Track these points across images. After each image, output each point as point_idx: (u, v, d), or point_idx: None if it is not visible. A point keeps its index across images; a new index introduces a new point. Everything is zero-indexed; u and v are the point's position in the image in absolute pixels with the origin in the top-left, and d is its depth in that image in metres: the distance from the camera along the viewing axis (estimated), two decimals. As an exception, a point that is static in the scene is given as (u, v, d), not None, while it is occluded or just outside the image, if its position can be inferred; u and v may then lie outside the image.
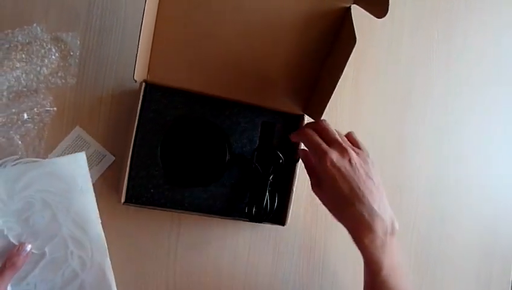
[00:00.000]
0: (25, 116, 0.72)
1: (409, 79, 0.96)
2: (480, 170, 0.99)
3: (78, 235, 0.65)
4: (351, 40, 0.65)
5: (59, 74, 0.75)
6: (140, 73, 0.70)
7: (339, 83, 0.68)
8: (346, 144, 0.68)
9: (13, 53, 0.72)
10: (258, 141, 0.79)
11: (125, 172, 0.72)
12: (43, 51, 0.73)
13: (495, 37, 1.03)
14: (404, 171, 0.94)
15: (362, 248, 0.64)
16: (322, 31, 0.74)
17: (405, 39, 0.97)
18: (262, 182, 0.76)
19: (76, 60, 0.76)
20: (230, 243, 0.81)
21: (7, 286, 0.59)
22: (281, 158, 0.76)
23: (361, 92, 0.92)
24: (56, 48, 0.75)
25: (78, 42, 0.76)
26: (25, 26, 0.73)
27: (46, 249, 0.64)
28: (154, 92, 0.75)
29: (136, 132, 0.73)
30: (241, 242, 0.82)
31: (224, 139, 0.78)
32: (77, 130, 0.75)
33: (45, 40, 0.74)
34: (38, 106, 0.72)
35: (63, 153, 0.74)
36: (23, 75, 0.72)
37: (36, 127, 0.73)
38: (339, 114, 0.90)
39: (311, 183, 0.71)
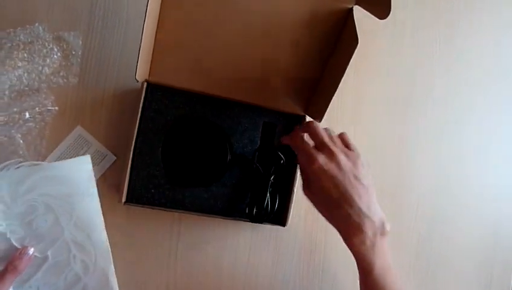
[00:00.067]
0: (27, 115, 0.72)
1: (410, 79, 0.96)
2: (481, 170, 1.00)
3: (81, 240, 0.65)
4: (353, 41, 0.65)
5: (61, 74, 0.75)
6: (142, 73, 0.70)
7: (340, 84, 0.68)
8: (336, 145, 0.68)
9: (15, 52, 0.72)
10: (259, 141, 0.79)
11: (126, 172, 0.72)
12: (45, 50, 0.73)
13: (495, 37, 1.04)
14: (405, 172, 0.94)
15: (353, 248, 0.65)
16: (324, 32, 0.74)
17: (406, 40, 0.97)
18: (263, 182, 0.76)
19: (78, 60, 0.76)
20: (230, 243, 0.81)
21: (8, 288, 0.59)
22: (282, 159, 0.76)
23: (362, 93, 0.92)
24: (58, 47, 0.75)
25: (80, 42, 0.76)
26: (27, 26, 0.73)
27: (49, 253, 0.64)
28: (156, 92, 0.75)
29: (138, 131, 0.73)
30: (242, 242, 0.82)
31: (226, 140, 0.78)
32: (78, 130, 0.75)
33: (47, 39, 0.74)
34: (40, 105, 0.72)
35: (64, 152, 0.74)
36: (25, 74, 0.72)
37: (38, 127, 0.73)
38: (340, 115, 0.90)
39: (302, 186, 0.71)
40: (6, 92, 0.71)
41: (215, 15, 0.71)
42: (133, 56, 0.65)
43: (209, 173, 0.77)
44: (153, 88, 0.75)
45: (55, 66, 0.74)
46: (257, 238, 0.82)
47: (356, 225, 0.64)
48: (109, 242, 0.69)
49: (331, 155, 0.66)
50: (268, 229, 0.82)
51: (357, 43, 0.64)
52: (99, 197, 0.69)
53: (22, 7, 0.75)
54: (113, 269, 0.67)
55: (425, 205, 0.94)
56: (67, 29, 0.76)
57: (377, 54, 0.95)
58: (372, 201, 0.66)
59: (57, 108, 0.74)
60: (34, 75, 0.73)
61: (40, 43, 0.73)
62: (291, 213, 0.77)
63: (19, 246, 0.62)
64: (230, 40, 0.74)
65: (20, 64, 0.72)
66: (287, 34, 0.74)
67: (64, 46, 0.75)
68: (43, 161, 0.72)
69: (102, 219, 0.66)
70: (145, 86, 0.74)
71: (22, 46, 0.73)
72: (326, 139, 0.68)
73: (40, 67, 0.73)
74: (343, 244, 0.66)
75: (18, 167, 0.61)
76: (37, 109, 0.72)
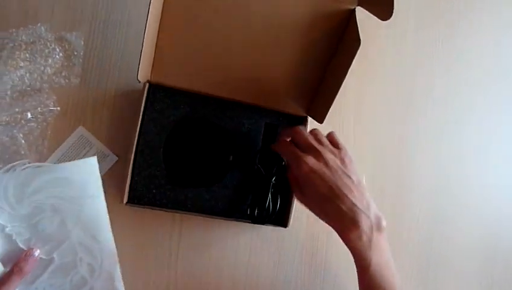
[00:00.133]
0: (29, 115, 0.71)
1: (410, 79, 0.97)
2: (481, 170, 1.00)
3: (87, 242, 0.64)
4: (355, 42, 0.65)
5: (63, 74, 0.75)
6: (144, 73, 0.70)
7: (342, 85, 0.68)
8: (323, 145, 0.70)
9: (17, 52, 0.72)
10: (261, 143, 0.79)
11: (128, 172, 0.72)
12: (47, 50, 0.73)
13: (495, 37, 1.04)
14: (405, 172, 0.94)
15: (349, 244, 0.65)
16: (326, 33, 0.74)
17: (406, 40, 0.97)
18: (265, 183, 0.76)
19: (80, 60, 0.76)
20: (232, 244, 0.81)
21: None
22: (283, 160, 0.76)
23: (362, 93, 0.93)
24: (60, 47, 0.75)
25: (82, 42, 0.76)
26: (29, 26, 0.73)
27: (55, 255, 0.64)
28: (158, 93, 0.75)
29: (139, 132, 0.73)
30: (243, 243, 0.82)
31: (227, 140, 0.78)
32: (80, 130, 0.75)
33: (49, 39, 0.74)
34: (42, 105, 0.72)
35: (66, 153, 0.74)
36: (27, 75, 0.72)
37: (39, 127, 0.73)
38: (341, 115, 0.90)
39: (294, 193, 0.73)
40: (8, 92, 0.71)
41: (217, 16, 0.71)
42: (135, 57, 0.65)
43: (211, 173, 0.77)
44: (155, 89, 0.75)
45: (57, 66, 0.74)
46: (258, 239, 0.82)
47: (350, 219, 0.64)
48: (111, 243, 0.69)
49: (318, 155, 0.67)
50: (270, 230, 0.83)
51: (360, 44, 0.64)
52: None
53: (24, 7, 0.75)
54: (120, 274, 0.67)
55: (425, 205, 0.94)
56: (69, 29, 0.76)
57: (377, 54, 0.95)
58: (365, 197, 0.67)
59: (58, 108, 0.74)
60: (36, 75, 0.73)
61: (42, 43, 0.73)
62: (292, 214, 0.77)
63: (25, 248, 0.62)
64: (233, 41, 0.74)
65: (22, 64, 0.72)
66: (289, 35, 0.74)
67: (66, 46, 0.75)
68: (44, 161, 0.72)
69: (109, 221, 0.66)
70: (147, 86, 0.74)
71: (24, 46, 0.73)
72: (312, 141, 0.70)
73: (42, 68, 0.73)
74: (345, 245, 0.66)
75: (24, 169, 0.60)
76: (39, 109, 0.72)
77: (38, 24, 0.74)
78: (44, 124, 0.73)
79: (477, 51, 1.02)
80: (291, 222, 0.77)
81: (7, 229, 0.61)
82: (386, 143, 0.93)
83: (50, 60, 0.73)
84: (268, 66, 0.76)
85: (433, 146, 0.96)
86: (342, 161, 0.68)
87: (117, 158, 0.76)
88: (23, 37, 0.73)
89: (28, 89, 0.72)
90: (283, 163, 0.76)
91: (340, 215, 0.65)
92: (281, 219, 0.78)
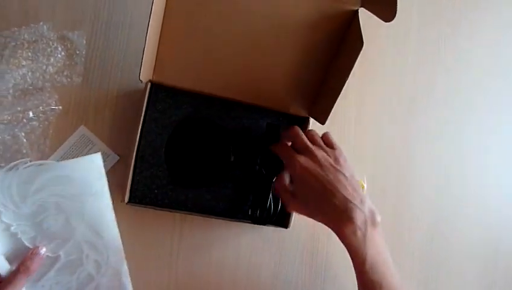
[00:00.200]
0: (30, 114, 0.71)
1: (412, 80, 0.97)
2: (481, 170, 1.00)
3: (93, 240, 0.64)
4: (358, 44, 0.65)
5: (65, 73, 0.75)
6: (146, 73, 0.70)
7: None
8: (318, 145, 0.71)
9: (19, 51, 0.72)
10: (262, 143, 0.79)
11: (130, 172, 0.72)
12: (49, 49, 0.73)
13: (495, 37, 1.04)
14: (405, 172, 0.94)
15: (344, 240, 0.65)
16: (328, 34, 0.74)
17: (408, 40, 0.97)
18: (266, 184, 0.76)
19: (82, 59, 0.76)
20: (233, 244, 0.81)
21: (21, 289, 0.59)
22: (284, 160, 0.76)
23: (364, 93, 0.93)
24: (62, 46, 0.75)
25: (84, 41, 0.76)
26: (32, 25, 0.73)
27: (61, 253, 0.63)
28: (160, 93, 0.75)
29: (141, 132, 0.73)
30: (244, 244, 0.82)
31: (229, 141, 0.78)
32: (82, 129, 0.75)
33: (51, 38, 0.74)
34: (44, 104, 0.72)
35: (68, 152, 0.74)
36: (29, 73, 0.72)
37: (41, 126, 0.72)
38: (342, 115, 0.90)
39: (287, 202, 0.72)
40: (10, 91, 0.71)
41: (219, 18, 0.71)
42: (137, 56, 0.65)
43: (212, 174, 0.77)
44: (157, 88, 0.75)
45: (59, 65, 0.74)
46: (259, 239, 0.82)
47: (344, 214, 0.65)
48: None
49: (311, 155, 0.69)
50: (271, 231, 0.83)
51: (362, 45, 0.64)
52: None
53: (26, 6, 0.75)
54: (127, 270, 0.67)
55: (426, 205, 0.94)
56: (72, 28, 0.76)
57: (378, 54, 0.95)
58: (358, 192, 0.67)
59: (60, 107, 0.74)
60: (38, 74, 0.73)
61: (45, 42, 0.73)
62: (293, 215, 0.77)
63: (31, 246, 0.62)
64: (235, 42, 0.74)
65: (24, 63, 0.72)
66: (291, 36, 0.74)
67: (69, 45, 0.75)
68: (46, 160, 0.72)
69: (115, 218, 0.65)
70: (148, 86, 0.73)
71: (26, 45, 0.73)
72: (306, 141, 0.71)
73: (44, 66, 0.73)
74: (341, 242, 0.66)
75: (27, 167, 0.60)
76: (40, 108, 0.72)
77: (41, 23, 0.74)
78: (46, 123, 0.73)
79: (478, 51, 1.02)
80: (292, 222, 0.77)
81: (12, 228, 0.60)
82: (387, 143, 0.94)
83: (52, 59, 0.73)
84: (270, 67, 0.76)
85: (433, 146, 0.97)
86: (336, 159, 0.69)
87: (118, 158, 0.76)
88: (25, 36, 0.72)
89: (30, 87, 0.72)
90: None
91: (334, 211, 0.65)
92: (282, 219, 0.78)
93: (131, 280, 0.72)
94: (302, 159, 0.68)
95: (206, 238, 0.80)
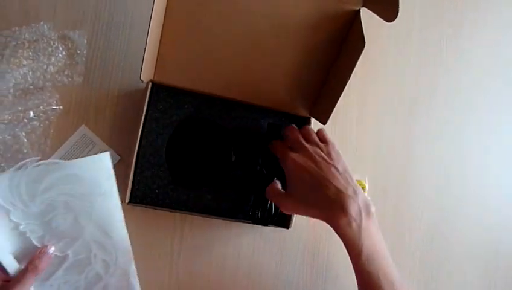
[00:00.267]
0: (31, 114, 0.71)
1: (414, 80, 0.97)
2: (481, 170, 1.00)
3: (101, 239, 0.64)
4: (360, 44, 0.65)
5: (66, 72, 0.74)
6: (147, 73, 0.70)
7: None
8: (311, 141, 0.71)
9: (20, 51, 0.72)
10: (263, 143, 0.79)
11: (130, 172, 0.72)
12: (50, 49, 0.73)
13: (495, 37, 1.04)
14: (406, 172, 0.94)
15: (340, 231, 0.65)
16: (330, 34, 0.74)
17: (409, 40, 0.97)
18: (267, 184, 0.76)
19: (83, 59, 0.76)
20: (234, 244, 0.81)
21: (29, 288, 0.59)
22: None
23: (365, 93, 0.93)
24: (63, 46, 0.75)
25: (85, 41, 0.76)
26: (32, 24, 0.73)
27: (69, 252, 0.63)
28: (161, 92, 0.75)
29: (142, 131, 0.73)
30: (245, 244, 0.82)
31: (230, 141, 0.77)
32: (83, 129, 0.75)
33: (52, 38, 0.74)
34: (45, 104, 0.72)
35: (69, 152, 0.74)
36: (30, 73, 0.72)
37: (42, 125, 0.72)
38: (344, 115, 0.90)
39: (280, 202, 0.72)
40: (11, 91, 0.71)
41: (220, 19, 0.71)
42: (138, 56, 0.65)
43: (213, 174, 0.77)
44: (158, 88, 0.75)
45: (60, 64, 0.74)
46: (260, 239, 0.82)
47: (338, 205, 0.64)
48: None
49: (304, 151, 0.70)
50: (272, 231, 0.82)
51: (364, 45, 0.64)
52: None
53: (27, 5, 0.75)
54: (135, 270, 0.67)
55: (426, 205, 0.94)
56: (73, 28, 0.76)
57: (380, 55, 0.95)
58: (351, 184, 0.67)
59: (61, 107, 0.74)
60: (38, 73, 0.72)
61: (45, 41, 0.73)
62: (295, 215, 0.77)
63: (39, 245, 0.62)
64: (235, 42, 0.73)
65: (25, 62, 0.72)
66: (292, 36, 0.74)
67: (69, 45, 0.75)
68: (47, 160, 0.72)
69: (123, 218, 0.65)
70: (150, 86, 0.73)
71: (27, 45, 0.72)
72: (300, 139, 0.72)
73: (45, 66, 0.73)
74: (337, 235, 0.66)
75: (36, 166, 0.60)
76: (41, 107, 0.72)
77: (41, 22, 0.74)
78: (47, 122, 0.73)
79: (478, 51, 1.02)
80: (294, 223, 0.77)
81: (21, 227, 0.60)
82: (388, 143, 0.94)
83: (53, 59, 0.73)
84: (270, 67, 0.76)
85: (434, 146, 0.97)
86: (328, 154, 0.70)
87: (119, 157, 0.76)
88: (26, 36, 0.72)
89: (31, 87, 0.72)
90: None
91: (327, 202, 0.65)
92: (283, 220, 0.78)
93: (132, 280, 0.72)
94: (295, 155, 0.69)
95: (206, 238, 0.80)
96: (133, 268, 0.67)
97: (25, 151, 0.71)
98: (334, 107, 0.71)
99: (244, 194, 0.78)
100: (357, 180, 0.69)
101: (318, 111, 0.78)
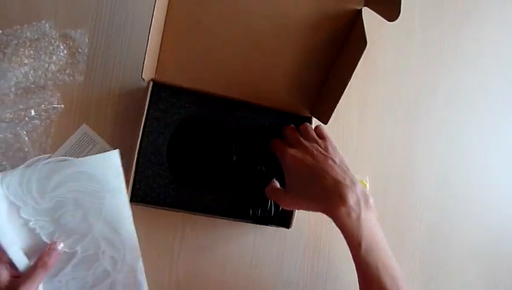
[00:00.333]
0: (32, 112, 0.71)
1: (414, 80, 0.97)
2: (482, 170, 1.00)
3: (110, 236, 0.64)
4: (361, 43, 0.65)
5: (67, 71, 0.74)
6: (148, 72, 0.70)
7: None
8: (308, 138, 0.72)
9: (21, 49, 0.72)
10: (264, 143, 0.79)
11: (131, 171, 0.72)
12: (51, 47, 0.73)
13: (496, 37, 1.04)
14: (407, 172, 0.94)
15: (339, 222, 0.65)
16: (331, 34, 0.74)
17: (410, 40, 0.97)
18: (268, 184, 0.76)
19: (85, 58, 0.76)
20: (234, 244, 0.81)
21: (39, 284, 0.59)
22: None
23: (366, 93, 0.93)
24: (64, 44, 0.74)
25: (87, 40, 0.76)
26: (34, 23, 0.73)
27: (78, 248, 0.63)
28: (162, 92, 0.75)
29: (143, 130, 0.73)
30: (246, 244, 0.82)
31: (231, 140, 0.77)
32: (84, 128, 0.75)
33: (54, 36, 0.74)
34: (46, 102, 0.72)
35: (70, 150, 0.74)
36: (31, 72, 0.72)
37: (43, 124, 0.72)
38: (345, 115, 0.90)
39: (279, 199, 0.73)
40: (12, 89, 0.71)
41: (222, 15, 0.71)
42: (139, 55, 0.65)
43: (214, 173, 0.77)
44: (159, 87, 0.75)
45: (61, 63, 0.74)
46: (261, 239, 0.82)
47: (336, 195, 0.64)
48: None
49: (301, 146, 0.71)
50: (273, 231, 0.82)
51: (366, 45, 0.64)
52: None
53: (29, 4, 0.75)
54: (142, 267, 0.67)
55: (427, 205, 0.94)
56: (74, 26, 0.76)
57: (380, 55, 0.95)
58: (348, 175, 0.67)
59: (62, 106, 0.74)
60: (40, 72, 0.72)
61: (47, 40, 0.73)
62: (295, 215, 0.77)
63: (49, 242, 0.62)
64: (235, 42, 0.74)
65: (26, 61, 0.72)
66: (292, 36, 0.74)
67: (71, 43, 0.75)
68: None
69: (131, 215, 0.65)
70: (151, 85, 0.73)
71: (28, 43, 0.72)
72: (297, 135, 0.73)
73: (46, 65, 0.73)
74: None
75: (46, 163, 0.60)
76: (42, 106, 0.72)
77: (43, 21, 0.74)
78: (48, 121, 0.73)
79: (479, 51, 1.03)
80: (294, 222, 0.77)
81: (31, 223, 0.61)
82: (389, 143, 0.94)
83: (54, 57, 0.73)
84: (270, 67, 0.76)
85: (434, 146, 0.97)
86: (325, 148, 0.70)
87: (120, 156, 0.76)
88: (28, 34, 0.72)
89: (32, 86, 0.72)
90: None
91: (326, 194, 0.65)
92: (284, 219, 0.78)
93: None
94: (293, 151, 0.70)
95: (207, 238, 0.80)
96: (140, 265, 0.67)
97: (26, 149, 0.71)
98: (335, 106, 0.71)
99: (245, 193, 0.78)
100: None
101: (319, 111, 0.78)
